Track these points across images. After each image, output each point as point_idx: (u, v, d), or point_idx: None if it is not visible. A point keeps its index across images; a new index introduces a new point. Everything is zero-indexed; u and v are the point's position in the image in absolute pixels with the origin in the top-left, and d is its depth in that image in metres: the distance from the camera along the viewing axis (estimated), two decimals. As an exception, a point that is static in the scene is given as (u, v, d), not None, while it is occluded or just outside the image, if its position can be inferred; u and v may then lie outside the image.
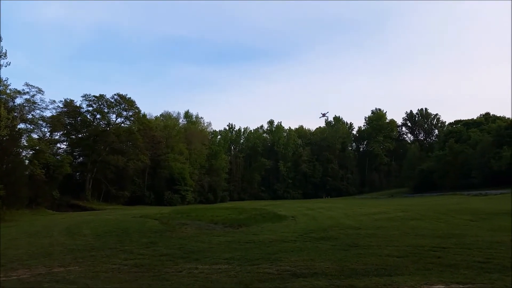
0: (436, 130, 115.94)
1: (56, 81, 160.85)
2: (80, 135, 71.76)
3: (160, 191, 76.29)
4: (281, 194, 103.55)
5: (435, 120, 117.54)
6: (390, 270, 9.16)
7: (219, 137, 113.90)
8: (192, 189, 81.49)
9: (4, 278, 9.52)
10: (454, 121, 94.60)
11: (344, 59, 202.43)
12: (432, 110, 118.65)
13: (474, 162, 66.24)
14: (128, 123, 75.41)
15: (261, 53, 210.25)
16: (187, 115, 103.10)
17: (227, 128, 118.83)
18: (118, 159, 67.08)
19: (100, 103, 71.13)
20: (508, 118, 78.05)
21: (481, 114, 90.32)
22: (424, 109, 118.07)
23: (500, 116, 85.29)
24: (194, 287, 7.94)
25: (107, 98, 71.16)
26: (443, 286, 7.39)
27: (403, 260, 10.45)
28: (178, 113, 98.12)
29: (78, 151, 71.62)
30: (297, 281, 8.18)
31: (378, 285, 7.60)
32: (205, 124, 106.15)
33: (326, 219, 25.34)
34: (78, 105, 69.98)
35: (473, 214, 24.44)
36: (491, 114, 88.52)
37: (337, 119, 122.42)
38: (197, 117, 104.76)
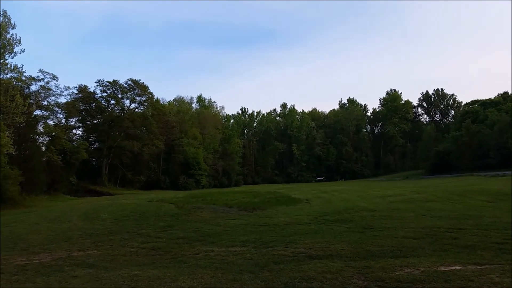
0: (453, 111, 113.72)
1: (67, 66, 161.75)
2: (95, 121, 72.68)
3: (175, 175, 77.14)
4: (295, 178, 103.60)
5: (451, 101, 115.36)
6: (406, 251, 9.14)
7: (232, 121, 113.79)
8: (206, 174, 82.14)
9: (26, 262, 9.80)
10: (471, 101, 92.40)
11: (358, 41, 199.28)
12: (448, 90, 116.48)
13: (492, 143, 64.98)
14: (142, 108, 76.09)
15: (273, 36, 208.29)
16: (200, 99, 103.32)
17: (240, 112, 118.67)
18: (133, 145, 67.93)
19: (114, 88, 71.70)
20: (527, 97, 76.25)
21: (499, 94, 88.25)
22: (440, 89, 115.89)
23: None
24: (211, 268, 8.05)
25: (121, 84, 71.73)
26: (460, 267, 7.33)
27: (419, 241, 10.41)
28: (191, 98, 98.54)
29: (93, 137, 72.65)
30: (312, 263, 8.22)
31: (394, 266, 7.59)
32: (218, 108, 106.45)
33: (340, 201, 25.39)
34: (92, 91, 70.77)
35: (491, 195, 24.18)
36: (509, 93, 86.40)
37: (351, 101, 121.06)
38: (210, 101, 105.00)
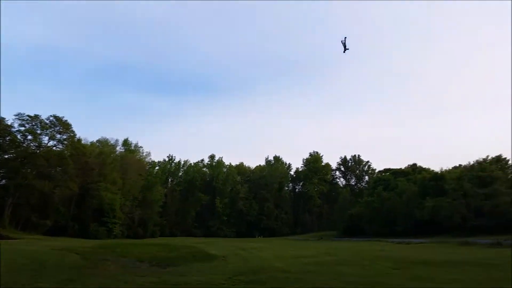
0: (367, 177, 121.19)
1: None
2: (6, 156, 66.91)
3: (85, 222, 72.06)
4: (214, 231, 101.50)
5: (366, 167, 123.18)
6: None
7: (157, 168, 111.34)
8: (120, 222, 77.75)
9: None
10: (384, 169, 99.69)
11: (286, 101, 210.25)
12: (364, 157, 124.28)
13: (400, 211, 69.64)
14: (61, 146, 71.77)
15: (208, 86, 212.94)
16: (126, 143, 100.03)
17: (167, 159, 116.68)
18: (44, 185, 63.21)
19: (33, 123, 67.52)
20: (432, 170, 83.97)
21: (408, 165, 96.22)
22: (357, 156, 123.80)
23: (425, 167, 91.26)
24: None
25: (42, 119, 68.00)
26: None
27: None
28: (116, 140, 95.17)
29: (1, 173, 66.44)
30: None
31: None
32: (144, 154, 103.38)
33: (257, 260, 25.36)
34: (9, 123, 65.82)
35: (396, 262, 25.68)
36: (417, 165, 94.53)
37: (277, 158, 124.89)
38: (136, 145, 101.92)
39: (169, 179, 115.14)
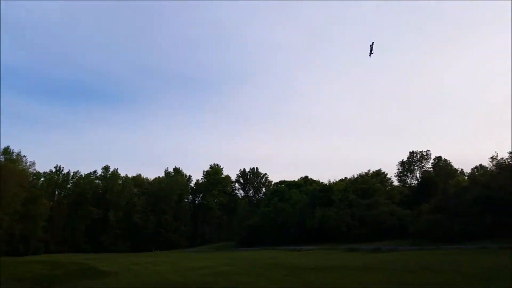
0: (264, 188, 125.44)
1: None
2: None
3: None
4: (106, 247, 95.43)
5: (264, 179, 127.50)
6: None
7: (42, 179, 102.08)
8: (-3, 239, 69.31)
9: None
10: (279, 181, 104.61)
11: (188, 114, 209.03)
12: (262, 170, 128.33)
13: (293, 220, 73.43)
14: None
15: (101, 95, 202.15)
16: (6, 151, 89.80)
17: (54, 170, 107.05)
18: None
19: None
20: (322, 182, 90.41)
21: (301, 177, 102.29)
22: (255, 168, 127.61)
23: (316, 180, 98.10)
24: None
25: None
26: None
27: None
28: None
29: None
30: None
31: None
32: (28, 164, 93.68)
33: (152, 274, 24.66)
34: None
35: (288, 268, 27.08)
36: (309, 177, 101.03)
37: (176, 170, 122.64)
38: (18, 155, 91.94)
39: (56, 192, 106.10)
